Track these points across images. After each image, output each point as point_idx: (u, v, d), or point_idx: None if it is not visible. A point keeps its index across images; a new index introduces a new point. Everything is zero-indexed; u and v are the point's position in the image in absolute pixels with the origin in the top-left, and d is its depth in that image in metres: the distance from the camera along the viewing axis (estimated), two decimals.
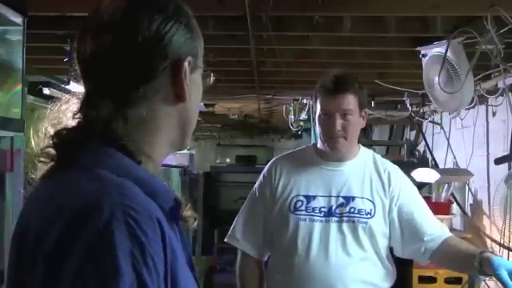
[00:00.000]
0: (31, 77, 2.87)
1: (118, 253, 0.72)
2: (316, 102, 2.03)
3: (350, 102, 1.96)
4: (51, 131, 0.88)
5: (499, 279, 1.65)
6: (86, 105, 0.86)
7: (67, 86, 3.31)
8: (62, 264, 0.72)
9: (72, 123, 0.88)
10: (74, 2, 2.30)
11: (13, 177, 2.21)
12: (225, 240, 2.18)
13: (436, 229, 1.99)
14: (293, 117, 5.22)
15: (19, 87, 2.27)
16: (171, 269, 0.78)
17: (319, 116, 2.01)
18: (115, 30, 0.86)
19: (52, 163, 0.87)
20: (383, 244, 2.00)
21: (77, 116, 0.87)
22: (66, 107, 0.90)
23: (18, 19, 2.20)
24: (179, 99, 0.89)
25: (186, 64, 0.89)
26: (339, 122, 1.96)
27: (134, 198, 0.78)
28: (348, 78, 1.99)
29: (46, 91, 3.20)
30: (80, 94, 0.90)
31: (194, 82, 0.92)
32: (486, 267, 1.72)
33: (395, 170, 2.08)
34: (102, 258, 0.72)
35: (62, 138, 0.86)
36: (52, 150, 0.86)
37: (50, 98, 3.10)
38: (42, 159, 0.87)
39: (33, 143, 0.89)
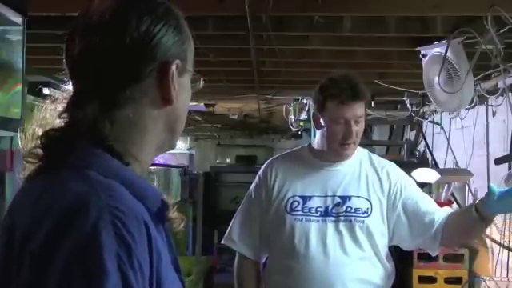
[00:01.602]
0: (31, 77, 2.87)
1: (104, 253, 0.72)
2: (324, 107, 1.98)
3: (362, 108, 1.98)
4: (39, 132, 0.87)
5: (492, 192, 1.71)
6: (73, 105, 0.86)
7: (67, 86, 3.31)
8: (49, 263, 0.73)
9: (60, 123, 0.87)
10: (74, 1, 2.29)
11: (13, 177, 2.21)
12: (222, 242, 2.19)
13: (440, 214, 1.98)
14: (293, 117, 5.22)
15: (19, 87, 2.27)
16: (156, 271, 0.79)
17: (331, 122, 1.97)
18: (103, 31, 0.86)
19: (39, 163, 0.86)
20: (381, 243, 2.00)
21: (63, 116, 0.87)
22: (53, 107, 0.90)
23: (18, 19, 2.19)
24: (166, 102, 0.89)
25: (173, 67, 0.89)
26: (355, 129, 1.96)
27: (122, 200, 0.78)
28: (361, 84, 1.98)
29: (46, 91, 3.20)
30: (67, 93, 0.90)
31: (183, 86, 0.92)
32: (483, 208, 1.75)
33: (393, 167, 2.09)
34: (89, 258, 0.72)
35: (50, 138, 0.86)
36: (40, 151, 0.86)
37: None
38: (30, 160, 0.87)
39: (20, 144, 0.89)
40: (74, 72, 0.89)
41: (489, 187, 1.73)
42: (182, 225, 0.93)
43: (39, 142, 0.86)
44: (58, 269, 0.72)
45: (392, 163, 2.12)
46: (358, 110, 1.96)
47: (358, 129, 1.98)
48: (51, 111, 0.90)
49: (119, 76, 0.86)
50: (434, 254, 2.18)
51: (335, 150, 2.02)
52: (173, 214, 0.91)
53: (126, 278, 0.73)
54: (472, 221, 1.82)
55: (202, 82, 0.98)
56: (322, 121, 2.01)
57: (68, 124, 0.86)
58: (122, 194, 0.80)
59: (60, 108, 0.88)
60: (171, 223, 0.91)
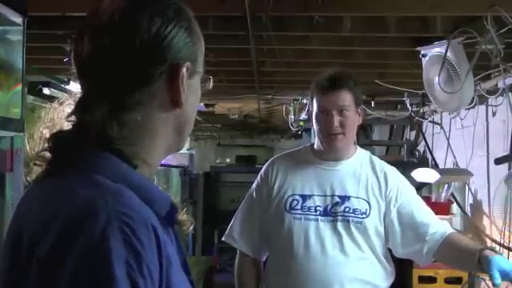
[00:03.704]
0: (31, 77, 2.87)
1: (113, 259, 0.71)
2: (312, 100, 2.04)
3: (346, 98, 1.98)
4: (46, 134, 0.86)
5: (490, 277, 1.70)
6: (81, 107, 0.85)
7: (67, 86, 3.31)
8: (57, 268, 0.72)
9: (67, 125, 0.86)
10: (74, 2, 2.30)
11: (13, 177, 2.21)
12: (222, 239, 2.19)
13: (437, 227, 1.99)
14: (293, 117, 5.22)
15: (19, 87, 2.27)
16: (166, 276, 0.78)
17: (316, 114, 2.02)
18: (113, 32, 0.84)
19: (47, 166, 0.85)
20: (379, 244, 2.00)
21: (71, 118, 0.86)
22: (61, 109, 0.89)
23: (18, 19, 2.19)
24: (175, 105, 0.88)
25: (183, 70, 0.87)
26: (337, 119, 1.97)
27: (130, 205, 0.77)
28: (342, 75, 2.01)
29: (46, 91, 3.21)
30: (75, 95, 0.88)
31: (192, 88, 0.91)
32: (485, 265, 1.74)
33: (392, 171, 2.08)
34: (98, 264, 0.71)
35: (58, 141, 0.85)
36: (47, 154, 0.85)
37: (49, 98, 3.11)
38: (37, 162, 0.86)
39: (27, 147, 0.89)
40: (83, 73, 0.88)
41: (493, 264, 1.71)
42: (191, 227, 0.92)
43: (47, 144, 0.85)
44: (67, 274, 0.71)
45: (393, 168, 2.11)
46: (340, 99, 1.97)
47: (344, 119, 1.98)
48: (59, 113, 0.89)
49: (128, 78, 0.84)
50: (422, 265, 2.20)
51: (325, 143, 2.03)
52: (182, 216, 0.90)
53: (136, 286, 0.72)
54: (472, 266, 1.86)
55: (211, 83, 0.96)
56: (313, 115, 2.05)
57: (76, 127, 0.85)
58: (130, 199, 0.78)
59: (68, 110, 0.87)
60: (180, 225, 0.90)
